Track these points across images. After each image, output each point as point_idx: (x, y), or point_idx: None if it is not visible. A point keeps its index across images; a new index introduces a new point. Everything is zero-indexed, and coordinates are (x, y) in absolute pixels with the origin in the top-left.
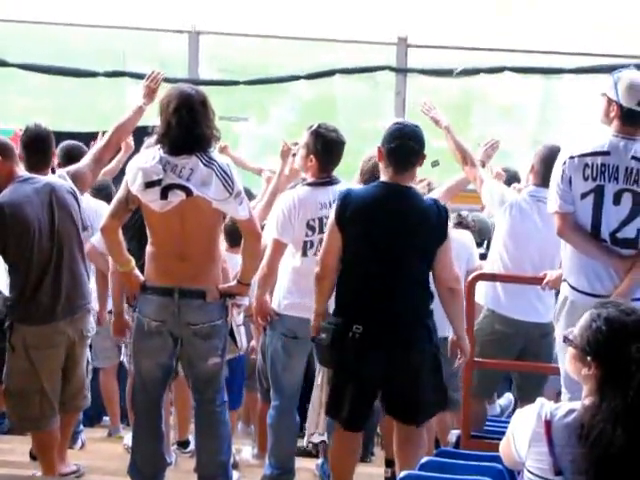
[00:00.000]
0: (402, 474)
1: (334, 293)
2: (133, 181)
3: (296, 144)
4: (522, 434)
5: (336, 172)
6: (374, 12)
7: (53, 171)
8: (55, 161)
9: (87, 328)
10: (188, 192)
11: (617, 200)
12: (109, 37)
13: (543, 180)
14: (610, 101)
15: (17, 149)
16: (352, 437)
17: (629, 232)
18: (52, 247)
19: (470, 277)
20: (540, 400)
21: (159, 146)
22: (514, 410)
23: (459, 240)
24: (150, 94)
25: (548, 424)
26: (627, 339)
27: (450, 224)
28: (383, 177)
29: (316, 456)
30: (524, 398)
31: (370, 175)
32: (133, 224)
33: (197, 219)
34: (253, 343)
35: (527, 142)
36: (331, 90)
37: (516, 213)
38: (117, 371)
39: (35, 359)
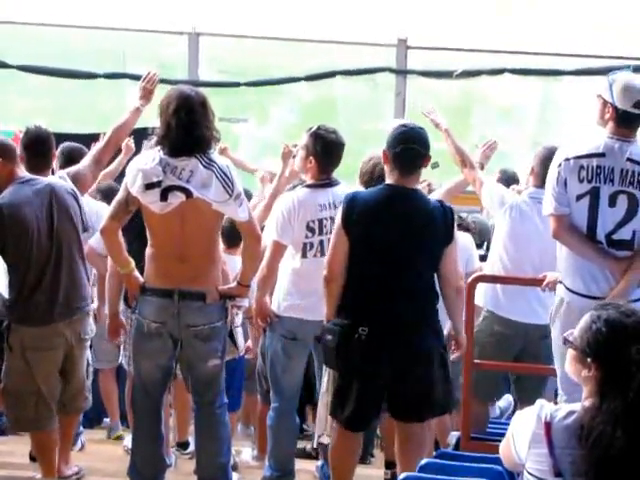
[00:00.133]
0: (402, 476)
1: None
2: (133, 183)
3: (296, 146)
4: (522, 436)
5: (336, 173)
6: (374, 14)
7: (53, 172)
8: (56, 163)
9: (86, 330)
10: (188, 194)
11: (613, 202)
12: (109, 38)
13: (543, 181)
14: (605, 103)
15: (18, 150)
16: (352, 437)
17: (625, 234)
18: (51, 248)
19: (470, 279)
20: (540, 402)
21: (159, 148)
22: (514, 412)
23: (459, 242)
24: (146, 95)
25: (548, 426)
26: (627, 340)
27: None
28: (389, 180)
29: (316, 458)
30: (524, 400)
31: (370, 176)
32: (135, 225)
33: (197, 221)
34: (249, 343)
35: (527, 143)
36: (331, 91)
37: (516, 215)
38: (116, 372)
39: (31, 360)
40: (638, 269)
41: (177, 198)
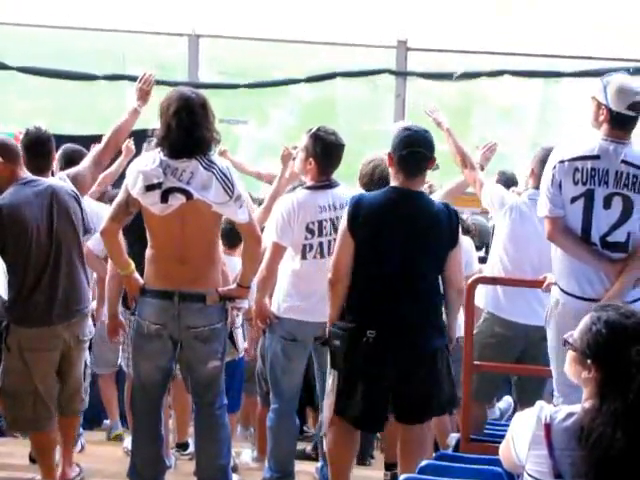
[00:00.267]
0: (402, 477)
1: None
2: (133, 184)
3: (295, 148)
4: (522, 437)
5: (336, 174)
6: (374, 15)
7: (53, 174)
8: (56, 164)
9: (84, 332)
10: (188, 195)
11: (607, 204)
12: (109, 40)
13: None
14: (599, 105)
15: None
16: (350, 433)
17: (619, 236)
18: (50, 249)
19: (470, 280)
20: (540, 403)
21: (159, 149)
22: (514, 413)
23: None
24: (144, 96)
25: (548, 427)
26: (627, 342)
27: None
28: (394, 182)
29: (315, 459)
30: (524, 401)
31: (369, 178)
32: (136, 227)
33: (197, 222)
34: (246, 344)
35: (526, 144)
36: (331, 93)
37: (516, 216)
38: (115, 376)
39: (29, 361)
40: (633, 271)
41: (177, 200)
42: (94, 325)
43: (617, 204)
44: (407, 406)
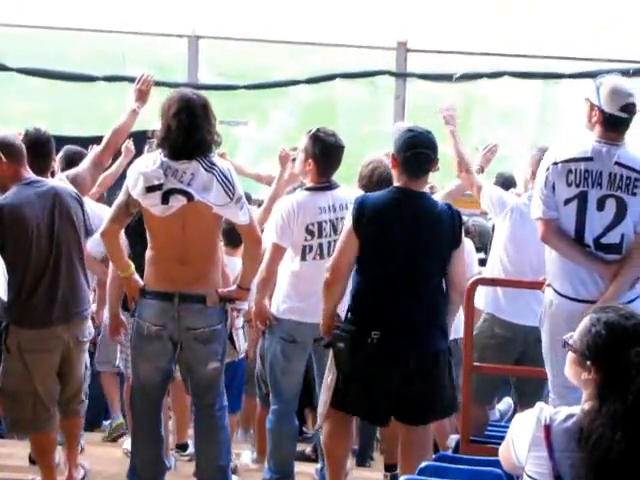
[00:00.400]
0: (401, 479)
1: (344, 297)
2: (134, 185)
3: (295, 149)
4: (521, 439)
5: (336, 176)
6: (374, 16)
7: (53, 175)
8: (56, 165)
9: (84, 334)
10: (189, 197)
11: (601, 206)
12: (109, 41)
13: None
14: (592, 106)
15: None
16: (344, 423)
17: (613, 237)
18: (50, 251)
19: (470, 281)
20: (539, 404)
21: (159, 150)
22: (513, 415)
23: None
24: (142, 97)
25: (548, 429)
26: (626, 343)
27: None
28: (397, 183)
29: (315, 460)
30: (523, 402)
31: (368, 180)
32: (139, 227)
33: (198, 224)
34: (245, 346)
35: (526, 145)
36: (331, 94)
37: (516, 217)
38: (118, 374)
39: (29, 362)
40: (628, 273)
41: (178, 201)
42: (94, 327)
43: (611, 206)
44: (410, 407)
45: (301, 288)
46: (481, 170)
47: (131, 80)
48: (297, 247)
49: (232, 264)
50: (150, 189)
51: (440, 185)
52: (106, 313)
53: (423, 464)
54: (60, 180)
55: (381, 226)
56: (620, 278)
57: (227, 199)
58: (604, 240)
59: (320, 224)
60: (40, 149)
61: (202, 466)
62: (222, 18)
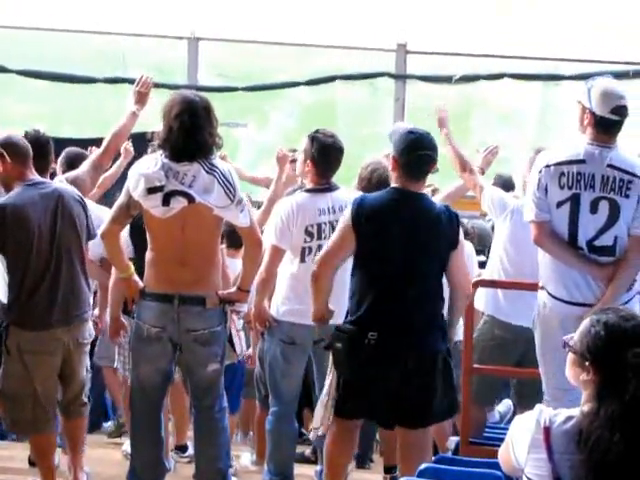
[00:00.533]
0: None
1: (346, 297)
2: (135, 187)
3: (294, 151)
4: (521, 440)
5: (336, 177)
6: (373, 18)
7: (52, 177)
8: (57, 167)
9: (84, 336)
10: (190, 199)
11: (594, 208)
12: (109, 43)
13: None
14: (584, 109)
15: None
16: (349, 431)
17: (606, 240)
18: (51, 253)
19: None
20: (539, 406)
21: (161, 152)
22: (513, 416)
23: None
24: (142, 99)
25: (547, 430)
26: (625, 344)
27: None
28: (395, 183)
29: (315, 462)
30: (523, 404)
31: (367, 182)
32: (143, 229)
33: (198, 225)
34: (250, 351)
35: (526, 147)
36: (331, 96)
37: (517, 219)
38: None
39: (29, 363)
40: (625, 276)
41: (179, 203)
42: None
43: (604, 208)
44: (408, 408)
45: (300, 290)
46: (482, 172)
47: (131, 82)
48: (296, 249)
49: (233, 266)
50: (151, 190)
51: (440, 187)
52: (107, 315)
53: (422, 466)
54: (60, 182)
55: (379, 226)
56: (616, 281)
57: (228, 201)
58: (597, 242)
59: (319, 226)
60: (39, 150)
61: (202, 468)
62: (222, 20)
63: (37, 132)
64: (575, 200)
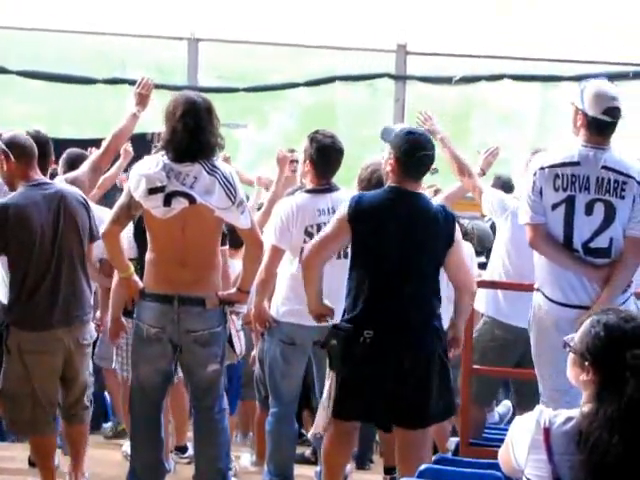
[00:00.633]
0: None
1: (343, 296)
2: (136, 187)
3: (292, 151)
4: (521, 441)
5: (336, 178)
6: (373, 19)
7: (52, 177)
8: (58, 168)
9: (85, 336)
10: (191, 200)
11: (589, 210)
12: (108, 44)
13: None
14: (577, 110)
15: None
16: (347, 434)
17: (602, 242)
18: (52, 254)
19: None
20: (539, 407)
21: (162, 153)
22: (513, 417)
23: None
24: (142, 101)
25: (547, 431)
26: (624, 345)
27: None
28: (393, 182)
29: (315, 463)
30: (523, 405)
31: (367, 183)
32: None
33: (199, 226)
34: (254, 353)
35: (526, 148)
36: (331, 97)
37: (517, 220)
38: None
39: (29, 363)
40: (621, 278)
41: (180, 204)
42: (98, 332)
43: (599, 210)
44: (405, 409)
45: (300, 290)
46: (482, 173)
47: (131, 83)
48: (296, 249)
49: (232, 266)
50: (152, 191)
51: (442, 187)
52: (108, 316)
53: (422, 467)
54: (60, 183)
55: (376, 224)
56: (613, 283)
57: (229, 203)
58: (593, 244)
59: (319, 226)
60: (38, 150)
61: (201, 469)
62: (222, 21)
63: (37, 132)
64: (570, 202)
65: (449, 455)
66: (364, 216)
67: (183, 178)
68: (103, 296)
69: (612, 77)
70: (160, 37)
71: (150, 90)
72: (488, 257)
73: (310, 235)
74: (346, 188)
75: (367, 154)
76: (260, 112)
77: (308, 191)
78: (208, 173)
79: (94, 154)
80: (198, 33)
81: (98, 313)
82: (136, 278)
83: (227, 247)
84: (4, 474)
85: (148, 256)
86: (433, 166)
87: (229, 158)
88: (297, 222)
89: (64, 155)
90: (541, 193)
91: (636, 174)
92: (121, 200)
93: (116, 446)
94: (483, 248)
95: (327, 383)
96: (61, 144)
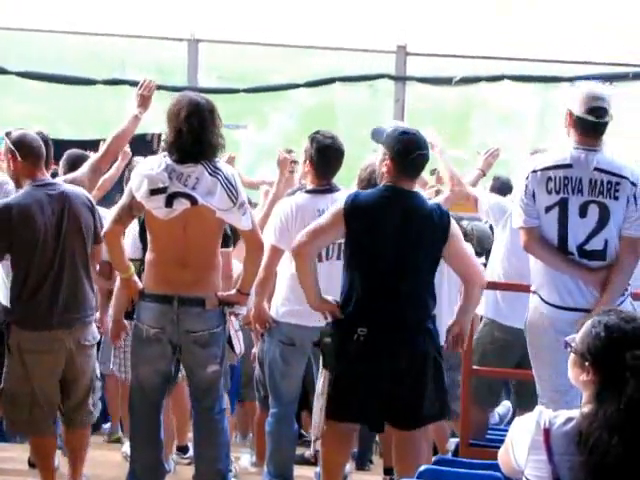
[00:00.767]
0: None
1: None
2: (138, 188)
3: (290, 151)
4: (521, 442)
5: (336, 179)
6: (373, 20)
7: (53, 178)
8: (59, 169)
9: (86, 337)
10: (193, 201)
11: (583, 212)
12: (108, 45)
13: None
14: (567, 110)
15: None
16: (344, 435)
17: (596, 244)
18: (55, 255)
19: None
20: (539, 408)
21: (164, 154)
22: (513, 418)
23: None
24: (144, 102)
25: (547, 432)
26: (625, 346)
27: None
28: (388, 181)
29: (314, 464)
30: (523, 406)
31: (367, 183)
32: None
33: (200, 227)
34: (254, 351)
35: (526, 149)
36: (330, 97)
37: None
38: None
39: (28, 362)
40: (619, 280)
41: (182, 205)
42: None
43: (593, 212)
44: (400, 409)
45: (300, 291)
46: (483, 174)
47: (131, 83)
48: None
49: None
50: (154, 192)
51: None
52: (108, 317)
53: (422, 467)
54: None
55: (371, 222)
56: (611, 286)
57: (230, 204)
58: (587, 247)
59: None
60: None
61: (201, 469)
62: (222, 21)
63: (38, 133)
64: (563, 205)
65: (449, 456)
66: (359, 213)
67: (185, 179)
68: (102, 298)
69: (612, 78)
70: (160, 38)
71: (152, 92)
72: (488, 258)
73: None
74: (346, 188)
75: (367, 154)
76: (260, 113)
77: (308, 191)
78: (210, 174)
79: (94, 155)
80: (198, 34)
81: (97, 314)
82: (136, 279)
83: (232, 249)
84: (4, 475)
85: (148, 256)
86: (433, 167)
87: (234, 158)
88: (297, 222)
89: (65, 156)
90: (534, 196)
91: (629, 174)
92: (123, 200)
93: (116, 447)
94: (483, 249)
95: (320, 381)
96: (61, 145)
